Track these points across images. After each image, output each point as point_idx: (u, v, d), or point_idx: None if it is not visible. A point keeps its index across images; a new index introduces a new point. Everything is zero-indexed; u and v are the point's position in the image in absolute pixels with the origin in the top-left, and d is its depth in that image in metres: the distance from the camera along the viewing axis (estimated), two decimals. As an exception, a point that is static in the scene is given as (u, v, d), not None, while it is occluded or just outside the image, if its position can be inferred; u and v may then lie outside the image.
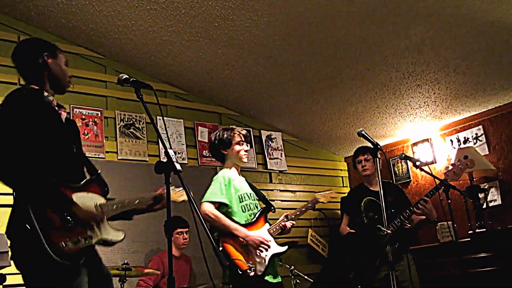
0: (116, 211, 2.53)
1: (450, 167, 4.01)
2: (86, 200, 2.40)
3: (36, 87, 2.52)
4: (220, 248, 3.32)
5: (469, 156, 4.06)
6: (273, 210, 3.71)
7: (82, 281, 2.27)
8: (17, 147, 2.24)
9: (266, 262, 3.40)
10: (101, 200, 2.50)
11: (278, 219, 3.74)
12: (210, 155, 5.82)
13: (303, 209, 3.89)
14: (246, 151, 3.70)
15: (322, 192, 4.26)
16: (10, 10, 4.72)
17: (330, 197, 4.20)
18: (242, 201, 3.58)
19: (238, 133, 3.70)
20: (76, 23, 4.79)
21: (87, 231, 2.33)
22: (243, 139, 3.69)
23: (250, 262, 3.35)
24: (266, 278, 3.42)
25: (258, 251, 3.38)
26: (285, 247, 3.58)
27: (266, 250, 3.40)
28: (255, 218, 3.55)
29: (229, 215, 3.49)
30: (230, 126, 3.82)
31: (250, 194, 3.68)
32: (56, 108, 2.57)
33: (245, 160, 3.72)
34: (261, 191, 3.94)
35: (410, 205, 4.10)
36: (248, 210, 3.58)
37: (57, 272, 2.16)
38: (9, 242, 2.27)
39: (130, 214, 2.69)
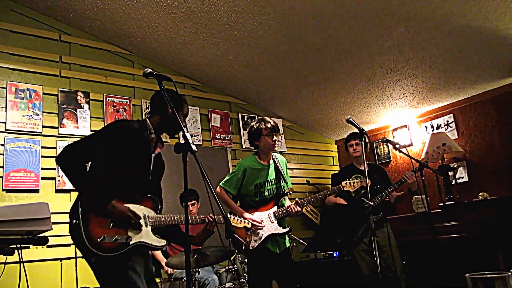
0: (165, 223, 2.54)
1: (429, 152, 3.96)
2: (136, 210, 2.42)
3: (149, 124, 2.61)
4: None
5: (446, 143, 4.00)
6: (287, 194, 3.56)
7: (127, 265, 2.29)
8: (95, 161, 2.39)
9: (261, 240, 3.33)
10: (151, 213, 2.51)
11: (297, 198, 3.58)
12: (221, 138, 5.86)
13: (319, 196, 3.57)
14: (274, 141, 3.48)
15: (350, 181, 3.59)
16: (52, 13, 4.68)
17: (355, 186, 3.60)
18: (259, 188, 3.50)
19: (264, 126, 3.48)
20: (108, 24, 4.75)
21: (127, 233, 2.35)
22: (270, 131, 3.47)
23: (246, 238, 3.34)
24: (268, 246, 3.38)
25: (256, 229, 3.35)
26: (286, 229, 3.44)
27: (260, 229, 3.35)
28: (264, 202, 3.49)
29: (243, 196, 3.55)
30: (260, 118, 3.58)
31: (269, 181, 3.53)
32: (153, 144, 2.63)
33: (274, 149, 3.54)
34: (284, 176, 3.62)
35: (390, 184, 4.07)
36: (261, 196, 3.50)
37: (94, 256, 2.24)
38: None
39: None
